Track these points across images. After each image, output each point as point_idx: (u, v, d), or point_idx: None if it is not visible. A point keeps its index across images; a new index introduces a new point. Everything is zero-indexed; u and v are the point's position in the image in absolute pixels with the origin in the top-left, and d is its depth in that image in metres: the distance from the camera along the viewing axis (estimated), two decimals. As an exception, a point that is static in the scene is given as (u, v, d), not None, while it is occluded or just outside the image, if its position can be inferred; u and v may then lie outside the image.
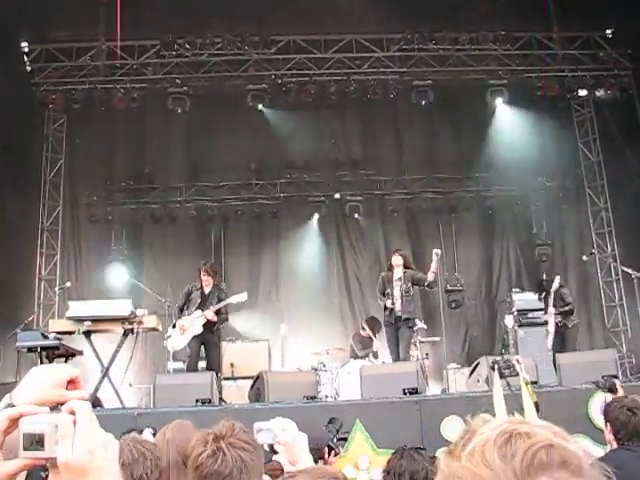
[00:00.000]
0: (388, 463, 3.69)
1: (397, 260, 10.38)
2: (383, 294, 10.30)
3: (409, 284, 10.20)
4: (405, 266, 10.35)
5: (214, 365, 9.80)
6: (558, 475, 1.00)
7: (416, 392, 8.05)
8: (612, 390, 6.25)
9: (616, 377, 8.37)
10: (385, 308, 10.27)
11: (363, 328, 11.80)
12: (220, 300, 10.00)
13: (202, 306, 9.93)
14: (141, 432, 5.09)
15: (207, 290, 10.10)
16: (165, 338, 10.21)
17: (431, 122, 15.61)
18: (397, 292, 10.22)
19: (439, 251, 10.93)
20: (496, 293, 15.39)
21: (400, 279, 10.26)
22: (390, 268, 10.49)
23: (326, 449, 5.15)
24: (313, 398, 8.62)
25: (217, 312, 9.89)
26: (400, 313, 10.10)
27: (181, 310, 10.09)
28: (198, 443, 2.46)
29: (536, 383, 8.27)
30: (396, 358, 10.09)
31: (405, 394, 8.00)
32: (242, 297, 10.05)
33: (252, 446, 2.47)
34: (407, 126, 15.51)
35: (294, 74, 14.66)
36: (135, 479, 2.67)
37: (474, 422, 1.12)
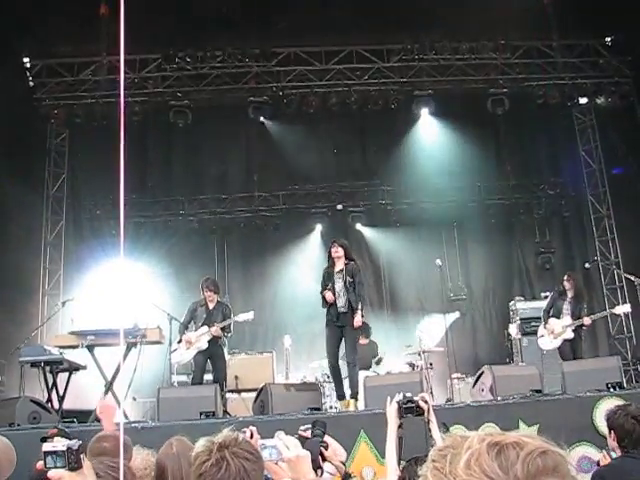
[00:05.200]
0: (402, 471, 3.69)
1: (337, 251, 9.41)
2: (324, 290, 9.37)
3: (350, 278, 9.29)
4: (346, 257, 9.46)
5: (221, 378, 9.77)
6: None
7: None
8: None
9: (620, 384, 8.36)
10: (325, 303, 9.32)
11: None
12: (225, 316, 9.96)
13: (207, 322, 9.91)
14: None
15: (211, 306, 10.08)
16: (170, 352, 10.20)
17: (432, 132, 15.59)
18: (339, 286, 9.31)
19: (440, 261, 10.95)
20: (500, 302, 15.34)
21: (342, 271, 9.37)
22: (331, 261, 9.52)
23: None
24: (317, 409, 8.61)
25: (222, 328, 9.88)
26: (345, 309, 9.22)
27: (186, 327, 10.07)
28: (202, 451, 2.47)
29: (540, 392, 8.26)
30: (334, 361, 9.31)
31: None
32: (249, 316, 10.02)
33: (255, 456, 2.49)
34: (408, 136, 15.49)
35: (295, 86, 14.70)
36: None
37: (449, 438, 1.15)
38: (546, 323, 10.45)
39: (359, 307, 9.25)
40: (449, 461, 1.10)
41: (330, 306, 9.29)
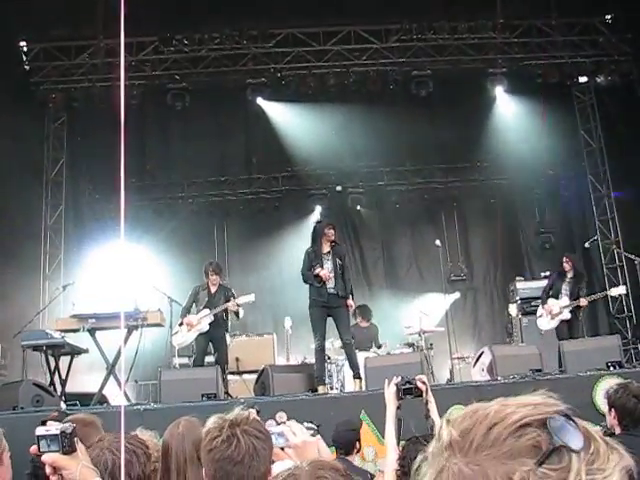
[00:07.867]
0: (402, 451, 3.73)
1: (332, 234, 9.31)
2: (312, 268, 9.15)
3: (339, 260, 9.21)
4: (333, 240, 9.36)
5: (223, 360, 9.80)
6: None
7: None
8: None
9: (620, 363, 8.40)
10: (312, 285, 9.12)
11: (354, 317, 11.18)
12: (227, 298, 9.99)
13: (209, 305, 9.92)
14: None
15: (214, 289, 10.08)
16: (171, 334, 10.24)
17: (431, 112, 15.54)
18: (329, 267, 9.12)
19: (439, 242, 10.93)
20: (500, 282, 15.39)
21: (329, 253, 9.25)
22: (318, 242, 9.34)
23: None
24: (317, 391, 8.66)
25: (226, 310, 9.91)
26: (335, 290, 9.05)
27: (188, 310, 10.08)
28: (213, 427, 2.49)
29: (540, 371, 8.30)
30: (324, 342, 9.16)
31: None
32: (250, 298, 10.03)
33: (265, 435, 2.52)
34: (407, 117, 15.43)
35: (293, 67, 14.62)
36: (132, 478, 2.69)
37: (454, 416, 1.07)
38: (544, 303, 10.57)
39: (350, 291, 9.27)
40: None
41: (320, 286, 9.07)
